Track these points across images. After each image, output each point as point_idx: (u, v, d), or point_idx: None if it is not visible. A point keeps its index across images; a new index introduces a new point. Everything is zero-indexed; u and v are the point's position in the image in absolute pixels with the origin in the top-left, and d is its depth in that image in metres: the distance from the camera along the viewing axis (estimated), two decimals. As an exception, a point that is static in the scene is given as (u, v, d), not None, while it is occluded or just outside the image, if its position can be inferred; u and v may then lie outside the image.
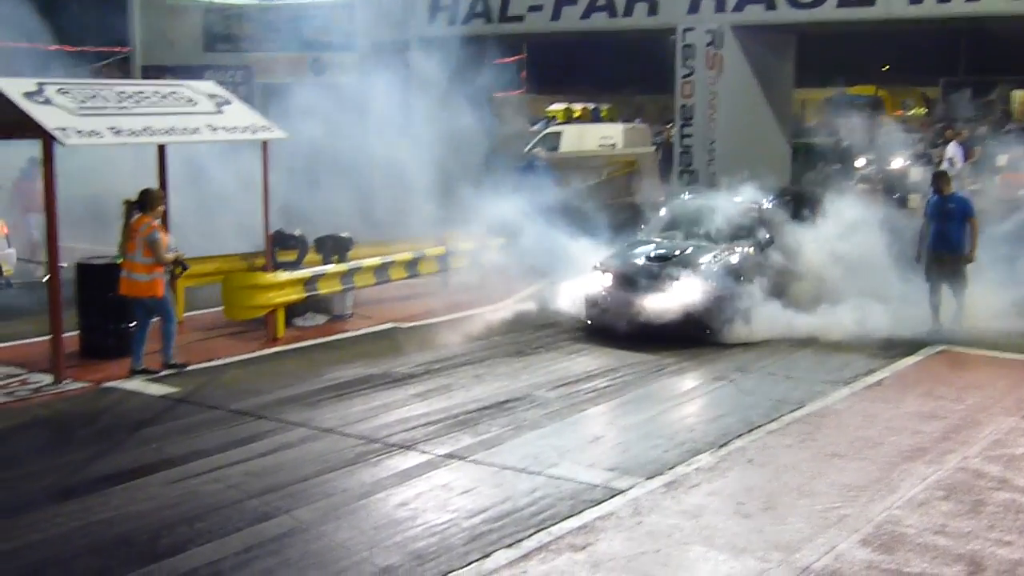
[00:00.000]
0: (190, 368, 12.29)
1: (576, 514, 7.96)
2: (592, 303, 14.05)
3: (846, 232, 14.53)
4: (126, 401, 11.29)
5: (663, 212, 16.13)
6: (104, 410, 11.05)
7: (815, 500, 8.15)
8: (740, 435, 9.79)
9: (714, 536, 7.51)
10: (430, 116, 24.12)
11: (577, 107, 40.68)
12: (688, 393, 11.69)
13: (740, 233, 14.53)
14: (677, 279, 13.46)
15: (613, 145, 30.20)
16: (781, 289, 14.18)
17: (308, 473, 8.98)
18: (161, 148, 13.52)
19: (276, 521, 7.95)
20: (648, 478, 8.69)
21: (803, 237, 14.69)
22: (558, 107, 40.83)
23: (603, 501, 8.22)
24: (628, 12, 22.16)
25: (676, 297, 13.37)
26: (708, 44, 21.67)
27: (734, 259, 13.99)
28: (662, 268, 13.72)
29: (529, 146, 30.70)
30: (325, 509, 8.20)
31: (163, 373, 12.01)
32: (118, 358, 12.34)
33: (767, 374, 12.05)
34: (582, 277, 14.43)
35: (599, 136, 30.82)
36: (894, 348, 12.96)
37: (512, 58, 38.28)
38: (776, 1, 20.85)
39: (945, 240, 13.73)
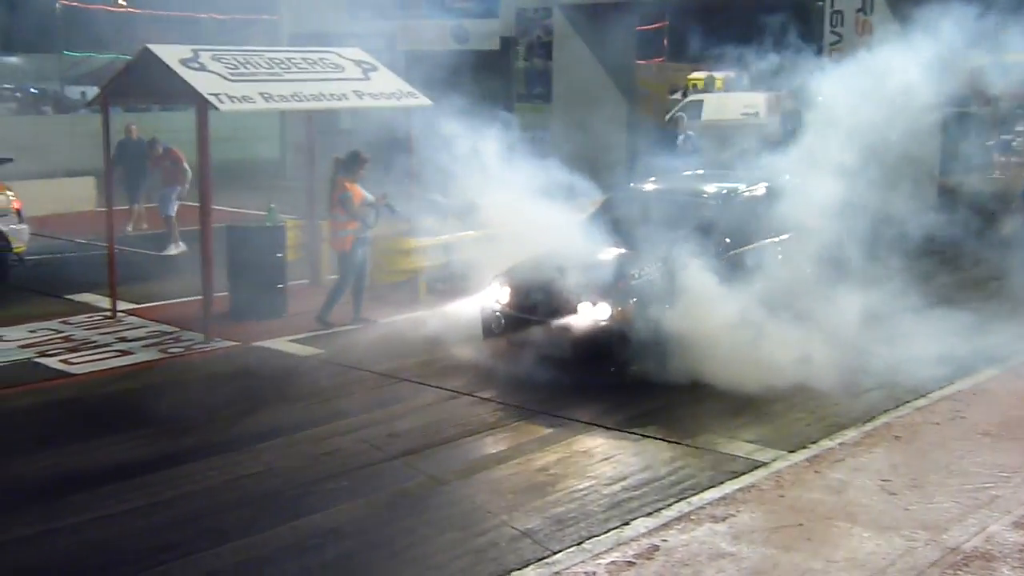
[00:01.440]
0: (336, 329, 12.54)
1: (717, 485, 7.90)
2: (487, 323, 11.30)
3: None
4: (273, 360, 11.59)
5: (611, 202, 12.79)
6: (252, 368, 11.36)
7: (965, 480, 7.91)
8: (887, 411, 9.55)
9: (858, 512, 7.36)
10: (572, 82, 24.07)
11: (719, 75, 39.94)
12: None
13: (690, 236, 10.98)
14: (579, 299, 10.42)
15: (756, 114, 29.65)
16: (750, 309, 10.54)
17: (449, 436, 9.11)
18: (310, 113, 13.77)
19: (417, 482, 8.10)
20: (791, 451, 8.57)
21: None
22: (700, 75, 40.16)
23: (744, 473, 8.13)
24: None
25: (576, 322, 10.42)
26: (858, 10, 21.07)
27: (663, 273, 10.71)
28: (562, 285, 10.55)
29: (669, 115, 30.39)
30: (466, 471, 8.32)
31: (307, 334, 12.34)
32: (266, 319, 12.66)
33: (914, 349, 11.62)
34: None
35: (742, 105, 30.30)
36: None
37: (654, 26, 37.85)
38: (930, -35, 20.11)
39: None
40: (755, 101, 30.80)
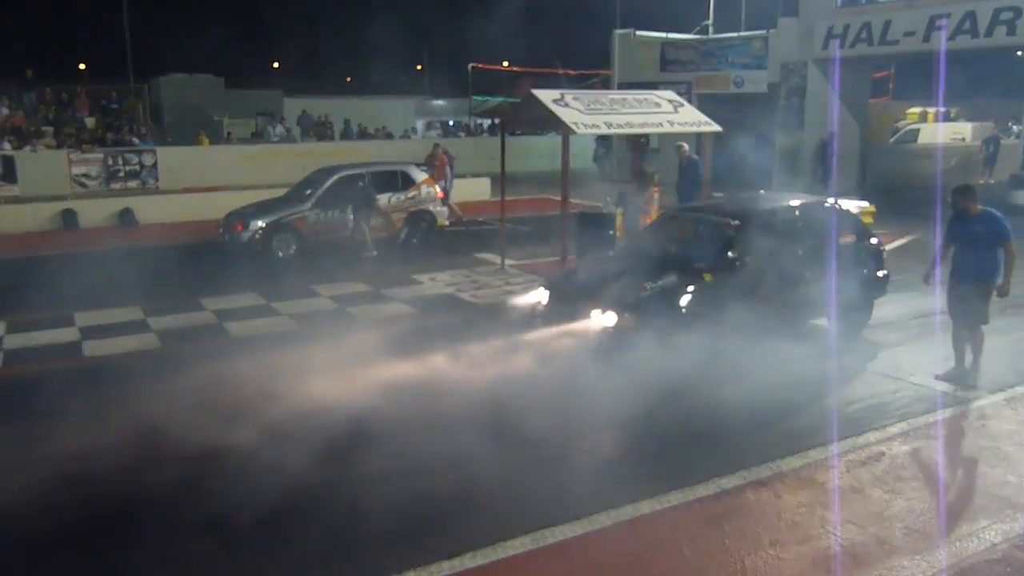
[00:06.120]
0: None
1: (930, 412, 7.24)
2: None
3: None
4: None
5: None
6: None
7: None
8: (1072, 368, 8.34)
9: (1047, 442, 6.55)
10: (819, 114, 22.63)
11: (931, 110, 36.31)
12: (1024, 329, 9.87)
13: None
14: None
15: (963, 139, 26.84)
16: None
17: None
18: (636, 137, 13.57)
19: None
20: (991, 392, 7.71)
21: None
22: (915, 110, 36.66)
23: (953, 406, 7.41)
24: (989, 33, 19.20)
25: None
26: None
27: None
28: None
29: (893, 139, 28.04)
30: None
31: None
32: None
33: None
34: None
35: (951, 132, 27.45)
36: None
37: (882, 73, 34.88)
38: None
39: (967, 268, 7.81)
40: (962, 129, 27.83)
